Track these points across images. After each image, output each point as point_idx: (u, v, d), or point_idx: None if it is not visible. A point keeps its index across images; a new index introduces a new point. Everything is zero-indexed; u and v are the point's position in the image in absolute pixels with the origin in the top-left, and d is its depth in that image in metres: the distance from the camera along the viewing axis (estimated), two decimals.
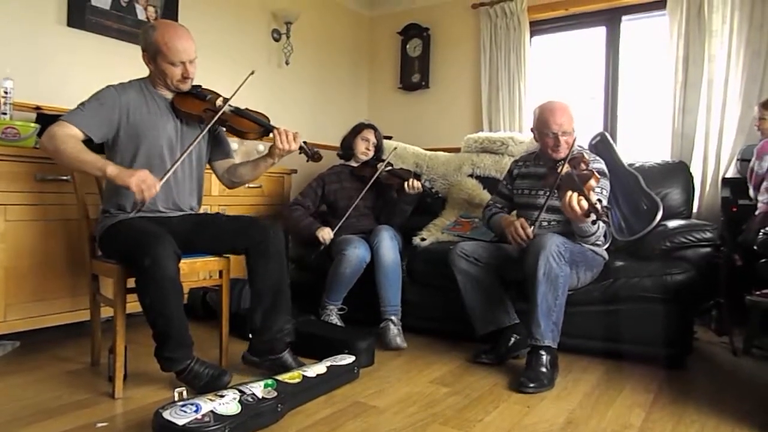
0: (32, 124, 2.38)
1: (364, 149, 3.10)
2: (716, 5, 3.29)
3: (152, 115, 2.09)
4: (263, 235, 2.07)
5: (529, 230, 2.31)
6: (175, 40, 2.02)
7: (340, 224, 2.83)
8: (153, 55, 2.05)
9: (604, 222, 1.98)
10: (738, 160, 3.17)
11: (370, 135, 3.12)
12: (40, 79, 2.73)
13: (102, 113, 1.99)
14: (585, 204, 1.99)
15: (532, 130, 2.50)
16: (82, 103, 1.99)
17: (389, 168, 3.03)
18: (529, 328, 2.18)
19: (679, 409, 1.90)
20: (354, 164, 3.14)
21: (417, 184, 2.89)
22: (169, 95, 2.15)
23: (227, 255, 2.21)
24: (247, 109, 2.23)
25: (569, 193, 2.04)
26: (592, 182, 2.12)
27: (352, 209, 2.88)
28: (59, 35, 2.81)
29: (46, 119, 2.47)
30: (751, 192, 2.79)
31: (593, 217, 1.96)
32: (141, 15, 3.12)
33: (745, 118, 3.22)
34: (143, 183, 1.84)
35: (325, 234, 2.82)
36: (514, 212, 2.70)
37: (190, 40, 2.07)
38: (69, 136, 1.89)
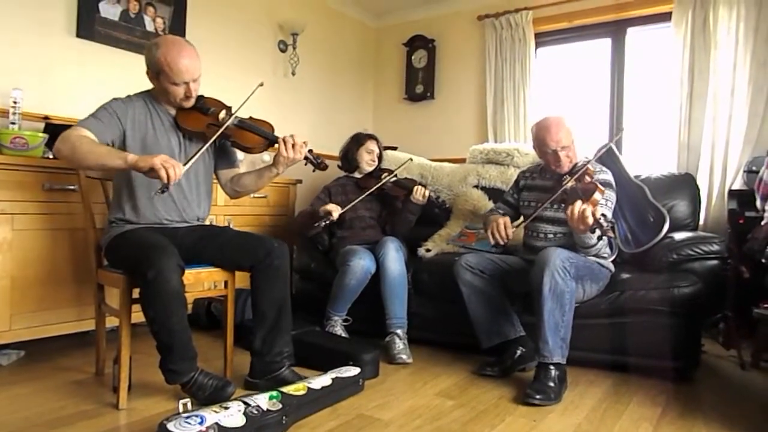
0: (40, 134, 2.40)
1: (369, 160, 3.11)
2: (721, 17, 3.30)
3: (156, 131, 2.10)
4: (269, 254, 2.05)
5: (510, 230, 2.33)
6: (179, 60, 1.99)
7: (347, 209, 2.84)
8: (156, 73, 2.04)
9: (608, 237, 1.96)
10: (744, 171, 3.15)
11: (373, 146, 3.13)
12: (48, 90, 2.76)
13: (112, 122, 2.01)
14: (590, 219, 1.98)
15: (534, 148, 2.51)
16: (92, 113, 2.01)
17: (394, 179, 3.03)
18: (536, 344, 2.15)
19: (687, 424, 1.88)
20: (358, 175, 3.14)
21: (425, 192, 2.89)
22: (173, 111, 2.15)
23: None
24: (250, 118, 2.23)
25: (574, 205, 2.04)
26: (597, 195, 2.11)
27: (353, 213, 2.90)
28: (68, 46, 2.84)
29: (54, 129, 2.48)
30: (759, 203, 2.76)
31: (598, 232, 1.96)
32: (149, 26, 3.15)
33: (751, 129, 3.22)
34: (166, 162, 1.83)
35: (331, 208, 2.81)
36: (518, 222, 2.70)
37: (195, 58, 2.04)
38: (83, 136, 1.90)
